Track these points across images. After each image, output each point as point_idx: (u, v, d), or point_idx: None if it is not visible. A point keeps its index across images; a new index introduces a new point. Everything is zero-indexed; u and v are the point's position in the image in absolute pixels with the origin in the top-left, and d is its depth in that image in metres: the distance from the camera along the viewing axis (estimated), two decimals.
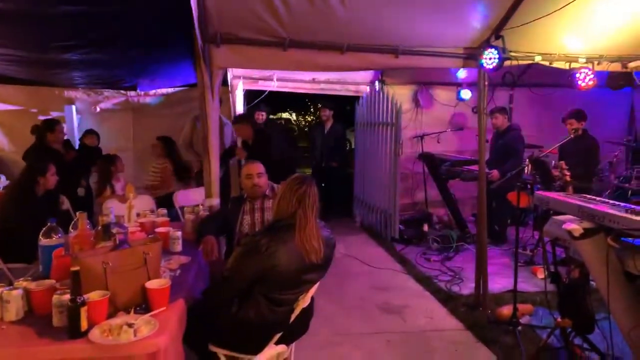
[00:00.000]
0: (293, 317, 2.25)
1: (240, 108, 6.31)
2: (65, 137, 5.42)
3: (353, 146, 7.89)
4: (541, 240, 4.11)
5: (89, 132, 5.58)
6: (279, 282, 2.13)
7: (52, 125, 4.99)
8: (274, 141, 5.13)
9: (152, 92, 6.34)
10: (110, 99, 6.31)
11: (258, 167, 3.14)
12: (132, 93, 6.28)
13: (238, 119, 5.28)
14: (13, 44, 3.91)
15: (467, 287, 4.21)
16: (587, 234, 2.27)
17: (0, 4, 2.92)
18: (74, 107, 6.14)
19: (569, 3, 3.15)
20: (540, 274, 4.35)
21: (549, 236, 2.71)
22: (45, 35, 3.69)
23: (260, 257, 2.07)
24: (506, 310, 3.45)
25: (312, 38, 3.55)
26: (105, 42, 3.91)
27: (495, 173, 5.12)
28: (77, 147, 5.66)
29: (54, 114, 5.93)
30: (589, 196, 2.65)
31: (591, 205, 2.32)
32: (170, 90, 6.36)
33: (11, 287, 1.92)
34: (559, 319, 2.82)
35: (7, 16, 3.20)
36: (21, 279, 2.04)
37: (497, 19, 3.53)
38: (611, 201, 2.47)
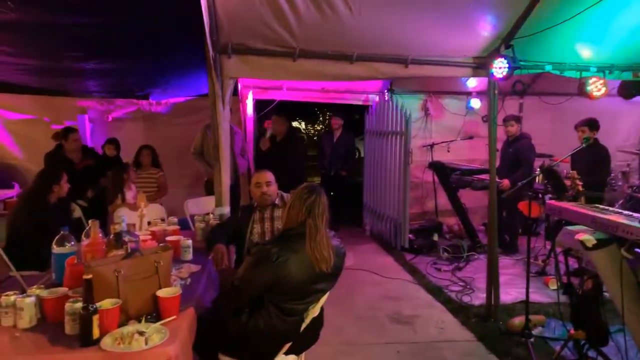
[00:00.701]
0: (303, 326, 2.25)
1: (250, 117, 6.36)
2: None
3: (362, 155, 7.89)
4: (553, 250, 4.07)
5: (108, 142, 5.62)
6: (289, 291, 2.13)
7: (67, 133, 5.06)
8: (299, 150, 5.20)
9: (164, 101, 6.41)
10: (122, 108, 6.39)
11: (267, 176, 3.15)
12: (144, 102, 6.35)
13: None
14: (28, 52, 3.99)
15: (478, 298, 4.17)
16: (600, 244, 2.24)
17: (14, 14, 2.99)
18: (86, 116, 6.23)
19: (579, 13, 3.15)
20: (553, 285, 4.30)
21: (561, 246, 2.68)
22: (60, 44, 3.76)
23: (271, 267, 2.08)
24: (518, 322, 3.41)
25: (322, 48, 3.57)
26: (118, 51, 3.98)
27: (505, 182, 5.09)
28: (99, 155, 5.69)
29: (67, 123, 6.01)
30: (601, 206, 2.62)
31: (604, 216, 2.30)
32: (181, 99, 6.42)
33: (24, 294, 1.94)
34: (572, 331, 2.78)
35: (22, 26, 3.27)
36: (34, 286, 2.06)
37: (507, 28, 3.53)
38: (625, 211, 2.45)
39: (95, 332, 1.73)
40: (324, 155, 6.97)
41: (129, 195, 4.73)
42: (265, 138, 5.50)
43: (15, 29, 3.36)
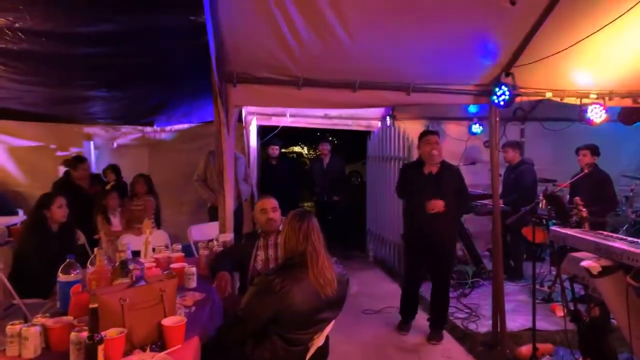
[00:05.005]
0: (308, 356, 2.22)
1: (254, 143, 6.41)
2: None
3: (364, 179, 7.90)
4: (559, 277, 4.04)
5: (107, 168, 5.69)
6: (293, 321, 2.12)
7: (76, 163, 5.09)
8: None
9: (168, 128, 6.49)
10: (127, 134, 6.47)
11: (272, 202, 3.17)
12: (149, 129, 6.44)
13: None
14: (38, 81, 4.07)
15: (484, 325, 4.11)
16: (605, 271, 2.23)
17: (25, 44, 3.07)
18: (92, 143, 6.30)
19: (577, 42, 3.21)
20: (560, 312, 4.24)
21: (566, 273, 2.66)
22: (71, 73, 3.84)
23: (275, 297, 2.07)
24: (525, 350, 3.36)
25: (326, 77, 3.63)
26: (128, 80, 4.05)
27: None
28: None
29: (73, 150, 6.07)
30: (606, 232, 2.62)
31: (609, 243, 2.30)
32: (185, 126, 6.51)
33: (30, 323, 1.93)
34: (581, 359, 2.74)
35: (32, 55, 3.35)
36: (39, 315, 2.06)
37: (507, 56, 3.60)
38: (629, 238, 2.44)
39: None
40: (315, 181, 6.99)
41: (114, 221, 4.71)
42: (434, 161, 4.23)
43: (26, 58, 3.44)
